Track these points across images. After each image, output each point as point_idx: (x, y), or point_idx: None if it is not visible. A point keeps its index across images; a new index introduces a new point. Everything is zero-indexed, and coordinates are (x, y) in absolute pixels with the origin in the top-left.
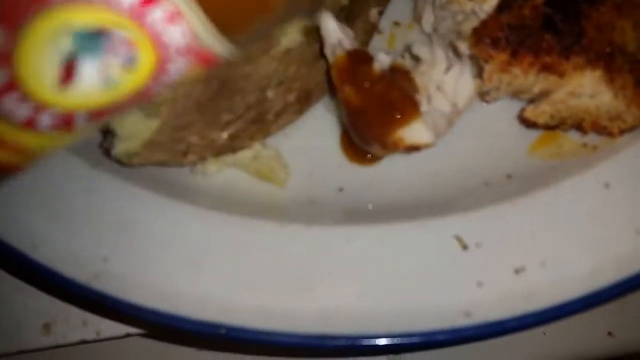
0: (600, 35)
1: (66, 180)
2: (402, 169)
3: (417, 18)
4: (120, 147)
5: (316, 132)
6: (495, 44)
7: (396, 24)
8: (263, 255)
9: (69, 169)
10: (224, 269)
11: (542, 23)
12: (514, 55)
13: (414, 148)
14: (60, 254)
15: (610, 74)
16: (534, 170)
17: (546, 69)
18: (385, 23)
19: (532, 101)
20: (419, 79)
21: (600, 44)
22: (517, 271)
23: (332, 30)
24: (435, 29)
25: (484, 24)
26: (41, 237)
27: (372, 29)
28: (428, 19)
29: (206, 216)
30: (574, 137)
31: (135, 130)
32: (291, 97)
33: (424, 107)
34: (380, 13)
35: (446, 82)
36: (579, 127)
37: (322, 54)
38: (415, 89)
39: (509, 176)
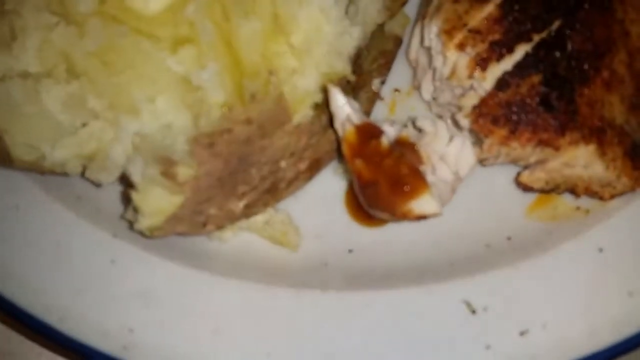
0: (592, 112)
1: (90, 251)
2: (408, 230)
3: (416, 86)
4: (144, 223)
5: (325, 194)
6: (495, 121)
7: (397, 90)
8: (282, 322)
9: (92, 240)
10: (245, 337)
11: (539, 101)
12: (513, 131)
13: (422, 217)
14: (88, 326)
15: (603, 148)
16: (531, 232)
17: (543, 143)
18: (386, 90)
19: (527, 167)
20: (424, 150)
21: (592, 120)
22: (522, 333)
23: (341, 104)
24: (434, 98)
25: (484, 101)
26: (68, 310)
27: (374, 97)
28: (427, 88)
29: (225, 284)
30: (568, 200)
31: (159, 207)
32: (302, 166)
33: (429, 178)
34: (382, 82)
35: (449, 153)
36: (573, 191)
37: (330, 125)
38: (420, 160)
39: (509, 238)
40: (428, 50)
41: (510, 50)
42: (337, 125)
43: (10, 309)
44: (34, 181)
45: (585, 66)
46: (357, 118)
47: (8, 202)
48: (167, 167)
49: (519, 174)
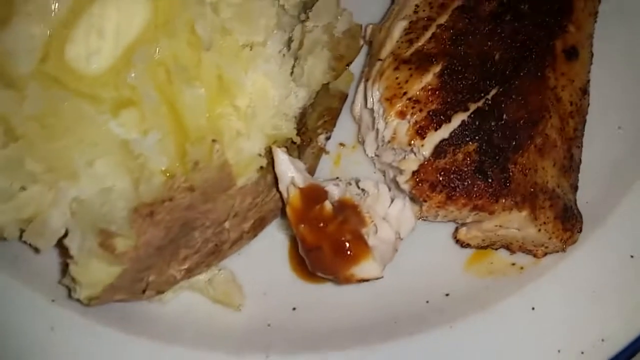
0: (525, 178)
1: (27, 316)
2: (350, 287)
3: (360, 141)
4: (81, 294)
5: (268, 251)
6: (432, 187)
7: (341, 145)
8: None
9: (30, 305)
10: None
11: (474, 169)
12: (450, 197)
13: (364, 281)
14: None
15: (535, 213)
16: (469, 288)
17: (477, 208)
18: (331, 144)
19: (464, 224)
20: (366, 211)
21: (525, 187)
22: None
23: (285, 167)
24: (377, 155)
25: (422, 167)
26: None
27: (320, 152)
28: (370, 145)
29: (163, 352)
30: (503, 255)
31: (96, 279)
32: (247, 226)
33: (371, 240)
34: (328, 137)
35: (390, 214)
36: (508, 247)
37: (275, 184)
38: (363, 222)
39: (447, 294)
40: (371, 111)
41: (448, 119)
42: (282, 188)
43: None
44: None
45: (519, 134)
46: (301, 180)
47: None
48: (105, 238)
49: (456, 230)
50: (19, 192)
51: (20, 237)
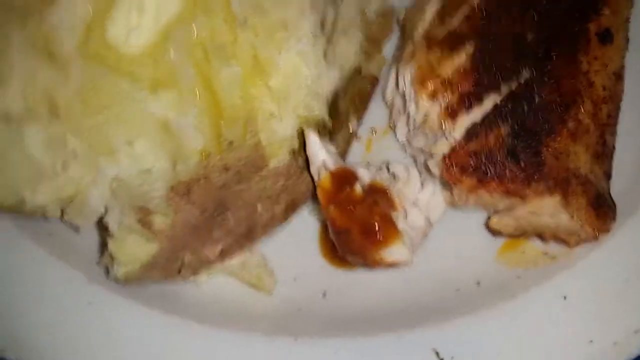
0: (557, 163)
1: (65, 293)
2: (380, 273)
3: (392, 126)
4: (119, 271)
5: (300, 235)
6: (463, 170)
7: (373, 130)
8: None
9: (68, 282)
10: None
11: (506, 152)
12: (481, 181)
13: (393, 265)
14: None
15: (567, 199)
16: (500, 277)
17: (510, 193)
18: (363, 129)
19: (496, 212)
20: (396, 196)
21: (558, 171)
22: None
23: (317, 150)
24: (408, 140)
25: (453, 151)
26: (45, 351)
27: (351, 137)
28: (402, 129)
29: (196, 331)
30: (536, 245)
31: (134, 256)
32: (278, 208)
33: (401, 224)
34: (359, 122)
35: (420, 199)
36: (540, 236)
37: (307, 169)
38: (393, 206)
39: (478, 283)
40: (402, 94)
41: (480, 101)
42: (313, 170)
43: None
44: (12, 222)
45: (552, 118)
46: (332, 163)
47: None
48: (143, 216)
49: (488, 219)
50: (61, 171)
51: (62, 216)
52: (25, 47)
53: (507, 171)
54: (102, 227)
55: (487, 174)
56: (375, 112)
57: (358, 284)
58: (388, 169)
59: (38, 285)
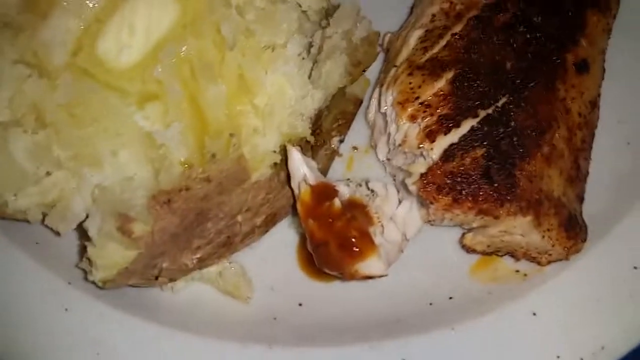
0: (531, 185)
1: (43, 297)
2: (356, 286)
3: (373, 145)
4: (97, 276)
5: (278, 247)
6: (439, 189)
7: (354, 148)
8: None
9: (47, 286)
10: None
11: (481, 174)
12: (456, 200)
13: (369, 278)
14: None
15: (539, 219)
16: (472, 293)
17: (483, 213)
18: (345, 147)
19: (470, 230)
20: (374, 211)
21: (530, 193)
22: None
23: (298, 165)
24: (388, 159)
25: (430, 170)
26: (19, 355)
27: (333, 155)
28: (382, 149)
29: (172, 337)
30: (508, 263)
31: (113, 261)
32: (258, 220)
33: (377, 239)
34: (341, 141)
35: (397, 215)
36: (513, 254)
37: (288, 182)
38: (370, 221)
39: (451, 298)
40: (384, 115)
41: (457, 124)
42: (294, 184)
43: None
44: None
45: (527, 142)
46: (313, 178)
47: None
48: (123, 223)
49: (463, 236)
50: (45, 177)
51: (43, 220)
52: (14, 59)
53: (481, 192)
54: (82, 231)
55: (461, 193)
56: (358, 132)
57: (334, 296)
58: (367, 186)
59: (18, 289)
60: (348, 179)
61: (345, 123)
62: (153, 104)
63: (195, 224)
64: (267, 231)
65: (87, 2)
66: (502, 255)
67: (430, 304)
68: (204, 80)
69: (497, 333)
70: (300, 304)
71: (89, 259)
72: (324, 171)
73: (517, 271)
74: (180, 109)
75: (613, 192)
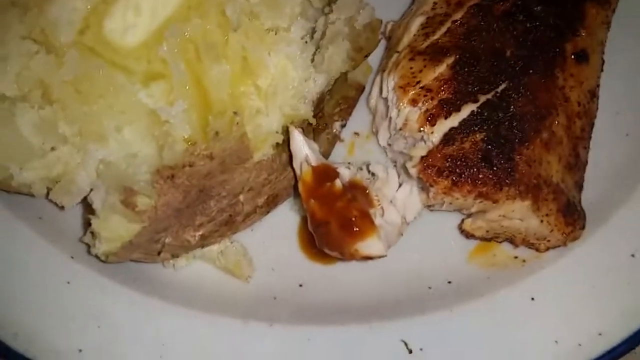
0: (530, 170)
1: (46, 270)
2: (356, 268)
3: (374, 131)
4: (101, 248)
5: (280, 229)
6: (439, 172)
7: (356, 134)
8: (227, 353)
9: (49, 260)
10: None
11: (481, 157)
12: (455, 183)
13: (368, 258)
14: (40, 344)
15: (537, 204)
16: (471, 278)
17: (482, 196)
18: (346, 132)
19: (470, 215)
20: (375, 194)
21: (529, 178)
22: None
23: (300, 145)
24: (389, 144)
25: (430, 153)
26: (22, 326)
27: (334, 139)
28: (383, 134)
29: (174, 312)
30: (507, 248)
31: (117, 234)
32: (260, 201)
33: (377, 220)
34: (343, 125)
35: (398, 198)
36: (511, 241)
37: (290, 163)
38: (371, 203)
39: (449, 282)
40: (386, 100)
41: (458, 108)
42: (296, 165)
43: None
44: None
45: (526, 127)
46: (314, 159)
47: None
48: (127, 196)
49: (462, 221)
50: (50, 152)
51: (47, 195)
52: (22, 35)
53: (480, 175)
54: (86, 205)
55: (461, 176)
56: (359, 118)
57: (333, 278)
58: (368, 169)
59: (23, 263)
60: (349, 163)
61: (347, 108)
62: (158, 82)
63: (198, 201)
64: (268, 212)
65: None
66: (501, 242)
67: (429, 287)
68: (208, 60)
69: (495, 316)
70: (300, 285)
71: (92, 232)
72: (326, 155)
73: (516, 257)
74: (184, 88)
75: (611, 181)
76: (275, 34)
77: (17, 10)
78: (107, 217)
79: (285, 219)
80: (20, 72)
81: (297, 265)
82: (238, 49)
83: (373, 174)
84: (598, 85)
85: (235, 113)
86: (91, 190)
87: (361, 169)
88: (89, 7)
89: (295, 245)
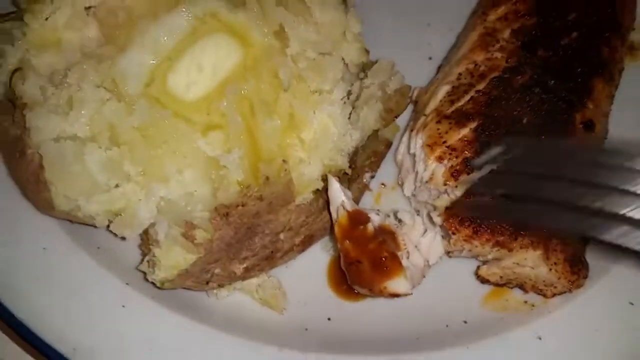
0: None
1: (103, 294)
2: (380, 306)
3: (400, 183)
4: (159, 275)
5: (312, 267)
6: (461, 222)
7: (383, 184)
8: None
9: (106, 285)
10: None
11: (498, 210)
12: (475, 232)
13: (395, 295)
14: None
15: (547, 253)
16: (484, 318)
17: (499, 245)
18: (374, 183)
19: (485, 262)
20: (402, 238)
21: (541, 230)
22: None
23: (337, 192)
24: (414, 195)
25: (454, 205)
26: (80, 343)
27: (364, 188)
28: (409, 186)
29: (219, 337)
30: (517, 294)
31: (175, 263)
32: (298, 240)
33: (404, 262)
34: (372, 176)
35: (422, 243)
36: (522, 287)
37: (325, 208)
38: (398, 246)
39: (465, 322)
40: (413, 156)
41: (479, 167)
42: (333, 209)
43: (30, 337)
44: (62, 228)
45: None
46: (349, 205)
47: (38, 244)
48: (187, 229)
49: (478, 268)
50: (114, 188)
51: (108, 227)
52: (96, 83)
53: (497, 226)
54: (142, 238)
55: (481, 226)
56: (386, 170)
57: (361, 314)
58: (396, 216)
59: (83, 287)
60: (378, 209)
61: (376, 161)
62: (216, 132)
63: (246, 237)
64: (303, 250)
65: (161, 40)
66: (512, 287)
67: (447, 325)
68: (261, 115)
69: (506, 352)
70: (329, 319)
71: (151, 261)
72: (356, 202)
73: (526, 302)
74: (239, 138)
75: None
76: (319, 95)
77: (93, 61)
78: (169, 248)
79: (316, 259)
80: (92, 116)
81: (325, 301)
82: (287, 106)
83: (400, 221)
84: None
85: (284, 161)
86: (153, 222)
87: (389, 215)
88: (154, 62)
89: (325, 283)
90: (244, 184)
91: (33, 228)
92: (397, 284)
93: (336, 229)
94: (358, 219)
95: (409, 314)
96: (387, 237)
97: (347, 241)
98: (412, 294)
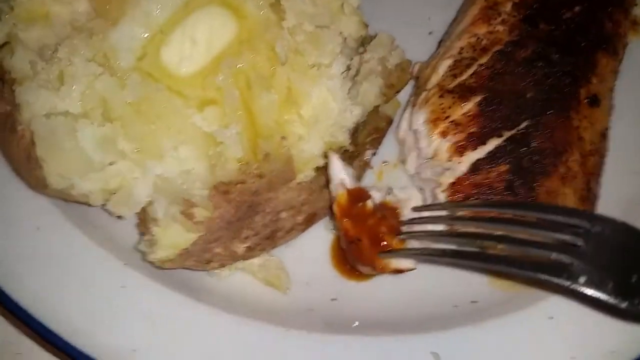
0: (548, 199)
1: (102, 275)
2: (386, 287)
3: (401, 160)
4: (159, 254)
5: (315, 247)
6: (466, 198)
7: (385, 162)
8: (270, 357)
9: (104, 265)
10: None
11: (505, 186)
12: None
13: (398, 271)
14: (96, 342)
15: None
16: (493, 298)
17: None
18: (376, 161)
19: None
20: (404, 213)
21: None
22: None
23: (338, 170)
24: (417, 172)
25: (458, 181)
26: (79, 325)
27: (365, 166)
28: (411, 163)
29: (220, 317)
30: None
31: (175, 242)
32: (299, 218)
33: None
34: (373, 154)
35: None
36: None
37: (327, 185)
38: (400, 222)
39: (474, 302)
40: (415, 133)
41: (484, 142)
42: (332, 187)
43: (27, 319)
44: (58, 207)
45: (546, 162)
46: (349, 183)
47: (32, 224)
48: (186, 208)
49: None
50: (109, 166)
51: (104, 205)
52: (88, 57)
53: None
54: (140, 217)
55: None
56: (388, 148)
57: (366, 293)
58: (398, 193)
59: (81, 268)
60: (379, 187)
61: (377, 138)
62: (211, 108)
63: (246, 215)
64: (305, 229)
65: (153, 13)
66: None
67: (455, 306)
68: (258, 90)
69: (517, 333)
70: (334, 299)
71: (150, 240)
72: (357, 180)
73: None
74: (236, 113)
75: (619, 213)
76: (318, 69)
77: (83, 35)
78: (168, 226)
79: (319, 238)
80: (84, 91)
81: (330, 281)
82: (284, 80)
83: (403, 197)
84: (608, 127)
85: (283, 138)
86: (151, 201)
87: (390, 192)
88: (147, 35)
89: (329, 263)
90: (242, 160)
91: (26, 207)
92: (398, 259)
93: (335, 207)
94: (357, 196)
95: (416, 294)
96: (387, 213)
97: (346, 219)
98: (415, 268)
